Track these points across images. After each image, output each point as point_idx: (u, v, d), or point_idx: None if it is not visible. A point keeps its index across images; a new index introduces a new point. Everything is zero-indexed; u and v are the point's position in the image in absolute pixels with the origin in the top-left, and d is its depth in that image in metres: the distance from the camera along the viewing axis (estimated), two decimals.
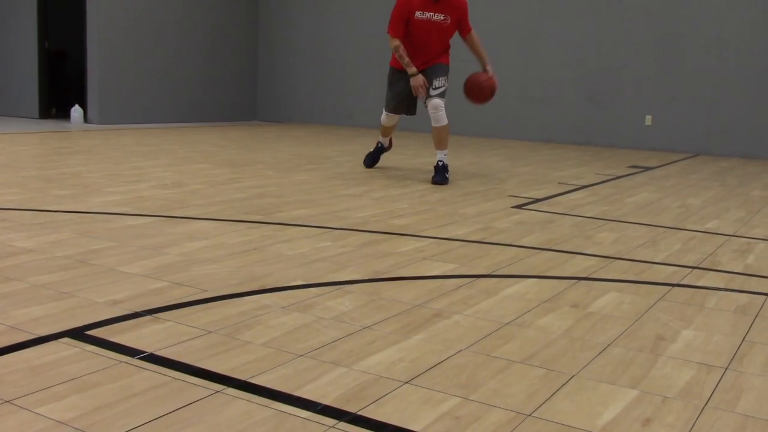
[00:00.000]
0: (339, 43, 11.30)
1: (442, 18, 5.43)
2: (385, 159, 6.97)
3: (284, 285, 2.63)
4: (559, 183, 5.77)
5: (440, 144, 5.52)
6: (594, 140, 9.63)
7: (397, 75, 5.64)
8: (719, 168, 7.46)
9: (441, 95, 5.47)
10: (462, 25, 5.58)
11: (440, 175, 5.43)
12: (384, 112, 5.87)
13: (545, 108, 9.91)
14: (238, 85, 11.91)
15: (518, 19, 9.91)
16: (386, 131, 6.06)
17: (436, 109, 5.44)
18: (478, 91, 5.45)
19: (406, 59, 5.41)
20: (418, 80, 5.40)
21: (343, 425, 1.59)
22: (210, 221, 3.70)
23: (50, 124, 9.69)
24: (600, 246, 3.52)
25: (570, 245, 3.50)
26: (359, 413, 1.65)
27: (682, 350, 2.15)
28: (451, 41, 5.66)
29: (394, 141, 6.65)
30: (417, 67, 5.46)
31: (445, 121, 5.49)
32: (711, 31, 8.87)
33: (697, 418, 1.71)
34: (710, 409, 1.76)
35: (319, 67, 11.56)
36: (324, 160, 6.71)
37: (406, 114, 5.83)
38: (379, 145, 6.18)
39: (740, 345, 2.21)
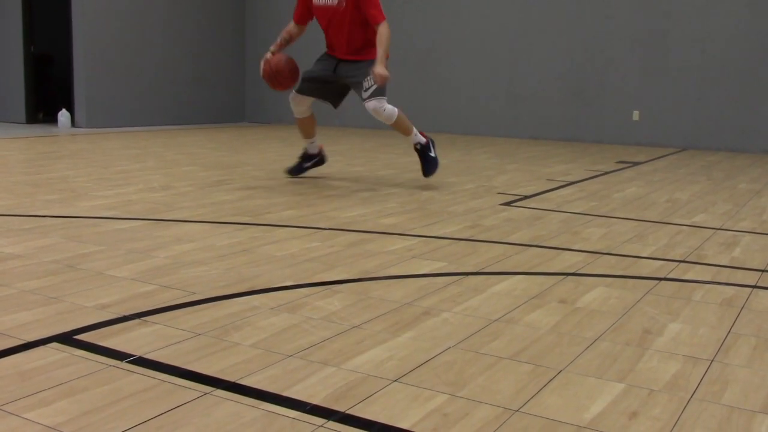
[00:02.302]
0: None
1: (336, 2, 4.88)
2: (372, 158, 6.97)
3: (273, 286, 2.64)
4: (548, 179, 5.80)
5: (405, 131, 5.05)
6: (582, 136, 9.67)
7: (321, 57, 5.19)
8: (706, 162, 7.51)
9: (376, 95, 4.85)
10: (365, 13, 4.85)
11: (425, 159, 5.06)
12: (290, 94, 5.20)
13: (533, 105, 9.94)
14: (225, 86, 11.89)
15: (505, 16, 9.93)
16: (302, 127, 5.30)
17: (377, 113, 4.89)
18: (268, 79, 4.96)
19: (278, 41, 5.15)
20: (266, 55, 5.08)
21: (331, 424, 1.60)
22: (198, 223, 3.70)
23: (37, 129, 9.65)
24: (588, 241, 3.53)
25: (558, 241, 3.52)
26: (348, 412, 1.66)
27: (668, 343, 2.16)
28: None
29: (384, 143, 6.25)
30: (333, 53, 5.10)
31: (393, 117, 4.92)
32: (696, 26, 8.92)
33: (682, 411, 1.72)
34: (696, 401, 1.78)
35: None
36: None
37: (329, 102, 5.24)
38: (304, 151, 5.43)
39: (726, 337, 2.23)
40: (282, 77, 4.92)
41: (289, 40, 5.18)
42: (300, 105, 5.19)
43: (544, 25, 9.75)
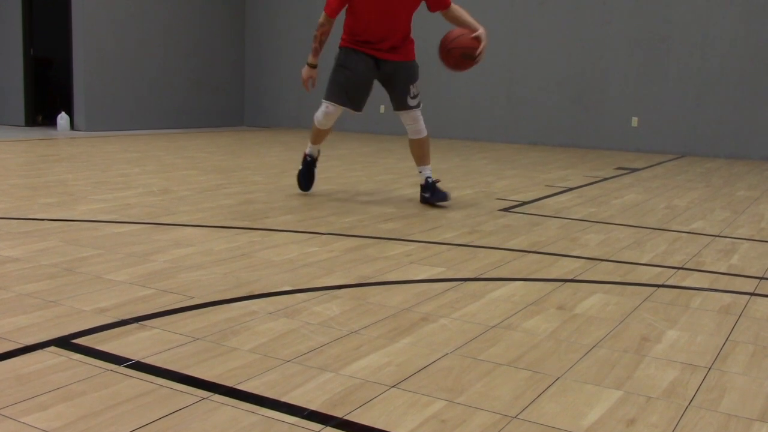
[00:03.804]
0: (326, 47, 11.29)
1: None
2: (371, 163, 6.98)
3: (271, 291, 2.64)
4: (546, 185, 5.80)
5: (424, 159, 4.66)
6: (581, 142, 9.68)
7: (353, 55, 4.54)
8: (705, 169, 7.52)
9: (418, 105, 4.59)
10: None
11: (437, 192, 4.59)
12: (324, 106, 4.61)
13: (532, 111, 9.96)
14: (225, 90, 11.90)
15: (504, 22, 9.95)
16: (320, 136, 4.78)
17: (416, 121, 4.59)
18: (445, 54, 4.31)
19: (316, 45, 4.54)
20: (309, 72, 4.55)
21: (329, 430, 1.60)
22: (197, 228, 3.70)
23: (36, 132, 9.64)
24: (586, 248, 3.54)
25: (556, 247, 3.52)
26: (345, 418, 1.66)
27: (666, 350, 2.17)
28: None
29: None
30: (372, 54, 4.53)
31: (425, 132, 4.65)
32: (695, 32, 8.94)
33: (680, 418, 1.72)
34: (693, 408, 1.78)
35: None
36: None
37: (354, 109, 4.63)
38: (308, 158, 4.90)
39: (724, 344, 2.23)
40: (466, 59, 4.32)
41: (326, 41, 4.59)
42: (333, 119, 4.65)
43: (544, 30, 9.77)
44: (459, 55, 4.27)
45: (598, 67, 9.50)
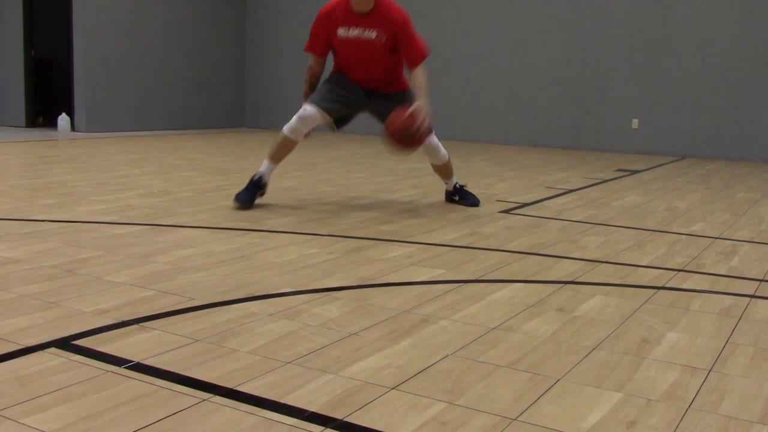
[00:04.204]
0: None
1: (375, 35, 4.20)
2: (371, 164, 6.98)
3: (272, 292, 2.64)
4: (547, 187, 5.80)
5: (447, 175, 4.75)
6: (581, 144, 9.69)
7: (344, 81, 4.41)
8: (705, 171, 7.52)
9: (429, 129, 4.25)
10: (404, 51, 4.25)
11: (469, 194, 4.73)
12: (302, 109, 4.32)
13: (532, 112, 9.96)
14: (225, 91, 11.91)
15: (504, 24, 9.96)
16: (284, 149, 4.40)
17: (430, 147, 4.47)
18: (388, 142, 4.12)
19: (306, 89, 4.43)
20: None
21: None
22: (197, 229, 3.70)
23: (37, 133, 9.65)
24: (586, 250, 3.54)
25: (556, 249, 3.52)
26: (346, 420, 1.66)
27: (666, 353, 2.17)
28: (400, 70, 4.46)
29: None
30: (362, 87, 4.41)
31: (446, 156, 4.60)
32: (695, 34, 8.94)
33: (680, 420, 1.72)
34: (693, 410, 1.78)
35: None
36: (312, 166, 6.72)
37: (335, 124, 4.46)
38: (256, 178, 4.36)
39: (724, 347, 2.24)
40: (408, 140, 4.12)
41: (315, 83, 4.47)
42: (310, 126, 4.36)
43: (544, 32, 9.78)
44: (401, 137, 4.06)
45: (598, 69, 9.51)
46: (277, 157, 4.42)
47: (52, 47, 10.59)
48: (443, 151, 4.59)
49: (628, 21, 9.28)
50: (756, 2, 8.63)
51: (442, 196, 5.08)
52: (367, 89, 4.41)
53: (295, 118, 4.33)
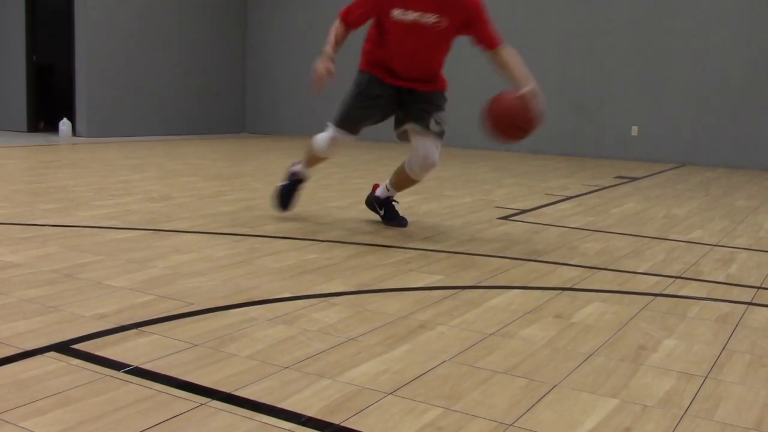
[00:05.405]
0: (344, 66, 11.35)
1: (435, 20, 3.72)
2: (371, 170, 7.00)
3: (270, 297, 2.65)
4: (546, 194, 5.81)
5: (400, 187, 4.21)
6: (581, 151, 9.70)
7: (375, 88, 3.93)
8: (704, 178, 7.53)
9: (441, 132, 3.95)
10: (480, 35, 3.83)
11: (396, 215, 4.26)
12: (331, 132, 3.96)
13: None
14: (226, 97, 11.94)
15: (505, 31, 9.97)
16: (317, 162, 4.22)
17: (431, 154, 3.93)
18: (487, 122, 3.71)
19: (331, 39, 3.77)
20: (326, 64, 3.66)
21: None
22: (197, 234, 3.71)
23: (38, 138, 9.67)
24: (584, 256, 3.55)
25: (555, 256, 3.53)
26: (342, 424, 1.67)
27: (663, 359, 2.17)
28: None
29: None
30: (397, 85, 3.92)
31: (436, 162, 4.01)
32: (696, 42, 8.97)
33: (676, 427, 1.73)
34: (689, 417, 1.79)
35: (307, 79, 11.59)
36: (312, 171, 6.71)
37: (353, 135, 4.04)
38: (296, 176, 4.24)
39: (720, 354, 2.24)
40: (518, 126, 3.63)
41: (341, 42, 3.86)
42: (340, 150, 4.05)
43: (544, 39, 9.80)
44: (508, 124, 3.62)
45: (598, 76, 9.53)
46: (310, 164, 4.27)
47: (54, 52, 10.61)
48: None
49: (629, 29, 9.31)
50: (756, 11, 8.66)
51: (441, 202, 5.10)
52: (402, 88, 3.93)
53: (327, 140, 3.97)
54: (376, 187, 4.36)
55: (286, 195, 4.26)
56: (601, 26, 9.49)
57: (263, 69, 12.02)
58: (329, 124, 3.99)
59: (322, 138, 4.01)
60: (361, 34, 3.97)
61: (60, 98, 10.69)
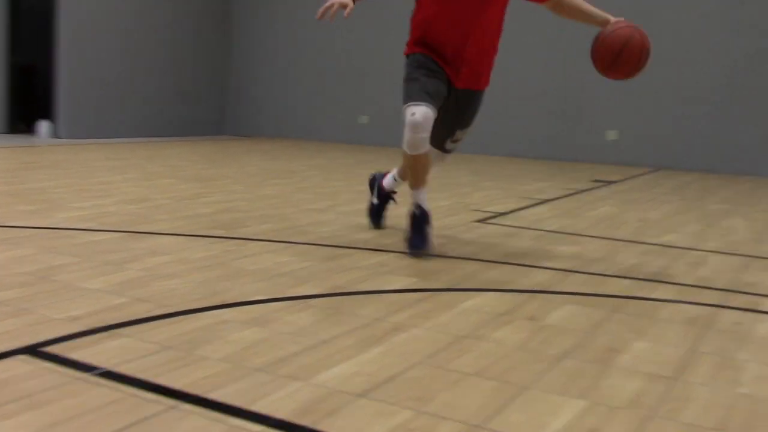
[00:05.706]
0: (309, 57, 11.35)
1: None
2: (351, 173, 7.01)
3: (244, 300, 2.65)
4: (523, 197, 5.85)
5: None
6: (559, 155, 9.77)
7: (430, 62, 3.44)
8: (680, 182, 7.61)
9: (452, 150, 3.76)
10: None
11: (379, 215, 4.12)
12: (408, 113, 3.30)
13: (511, 123, 10.03)
14: (207, 99, 11.90)
15: None
16: (419, 169, 3.47)
17: (442, 161, 3.82)
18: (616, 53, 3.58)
19: None
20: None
21: None
22: (174, 236, 3.70)
23: (18, 139, 9.58)
24: (558, 259, 3.58)
25: (529, 259, 3.56)
26: (312, 427, 1.68)
27: (632, 361, 2.20)
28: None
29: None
30: (446, 67, 3.48)
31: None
32: (672, 47, 9.06)
33: (642, 428, 1.76)
34: (656, 418, 1.82)
35: (288, 82, 11.59)
36: (291, 174, 6.73)
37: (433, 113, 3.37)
38: (417, 212, 3.53)
39: (688, 355, 2.28)
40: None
41: None
42: (425, 130, 3.31)
43: (523, 43, 9.86)
44: (644, 55, 3.66)
45: (577, 80, 9.60)
46: (418, 182, 3.52)
47: (35, 53, 10.52)
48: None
49: None
50: (732, 16, 8.77)
51: None
52: (452, 85, 3.52)
53: (406, 130, 3.32)
54: (387, 173, 4.10)
55: (377, 213, 4.12)
56: (580, 29, 9.55)
57: (245, 71, 11.99)
58: (404, 107, 3.37)
59: (405, 133, 3.35)
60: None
61: (40, 99, 10.60)
